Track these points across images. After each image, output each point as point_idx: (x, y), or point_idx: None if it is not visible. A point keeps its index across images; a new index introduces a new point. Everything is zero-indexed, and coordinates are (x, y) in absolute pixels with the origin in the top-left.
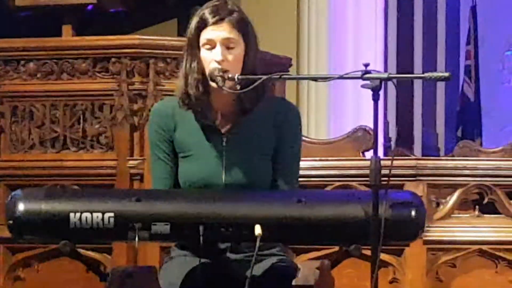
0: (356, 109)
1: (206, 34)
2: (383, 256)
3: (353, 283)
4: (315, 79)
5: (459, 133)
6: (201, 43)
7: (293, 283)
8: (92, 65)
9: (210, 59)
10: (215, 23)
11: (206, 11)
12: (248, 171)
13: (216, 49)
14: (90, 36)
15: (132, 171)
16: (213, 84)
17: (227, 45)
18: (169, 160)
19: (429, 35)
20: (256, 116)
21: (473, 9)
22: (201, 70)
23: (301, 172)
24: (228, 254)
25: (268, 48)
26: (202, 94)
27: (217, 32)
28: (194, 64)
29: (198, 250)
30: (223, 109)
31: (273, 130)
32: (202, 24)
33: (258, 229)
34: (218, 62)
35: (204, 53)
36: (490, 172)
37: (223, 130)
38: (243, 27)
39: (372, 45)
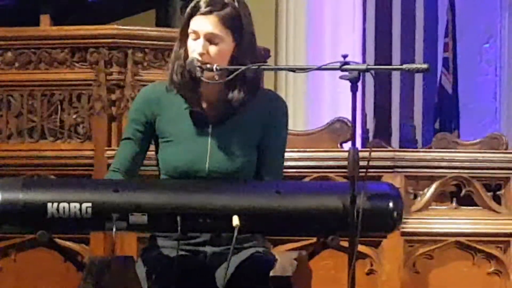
0: (334, 100)
1: (193, 24)
2: (361, 248)
3: (330, 275)
4: (293, 70)
5: (436, 125)
6: (189, 31)
7: (271, 274)
8: (70, 55)
9: (193, 49)
10: (203, 13)
11: None
12: (232, 160)
13: (199, 41)
14: (68, 26)
15: (110, 161)
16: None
17: (210, 39)
18: (138, 144)
19: (407, 27)
20: (244, 106)
21: (452, 2)
22: (186, 57)
23: None
24: (207, 247)
25: None
26: (189, 80)
27: (202, 24)
28: (182, 51)
29: (176, 241)
30: (211, 97)
31: (260, 121)
32: (194, 11)
33: (236, 220)
34: (199, 55)
35: (189, 42)
36: (467, 164)
37: (210, 118)
38: (233, 23)
39: (350, 36)
